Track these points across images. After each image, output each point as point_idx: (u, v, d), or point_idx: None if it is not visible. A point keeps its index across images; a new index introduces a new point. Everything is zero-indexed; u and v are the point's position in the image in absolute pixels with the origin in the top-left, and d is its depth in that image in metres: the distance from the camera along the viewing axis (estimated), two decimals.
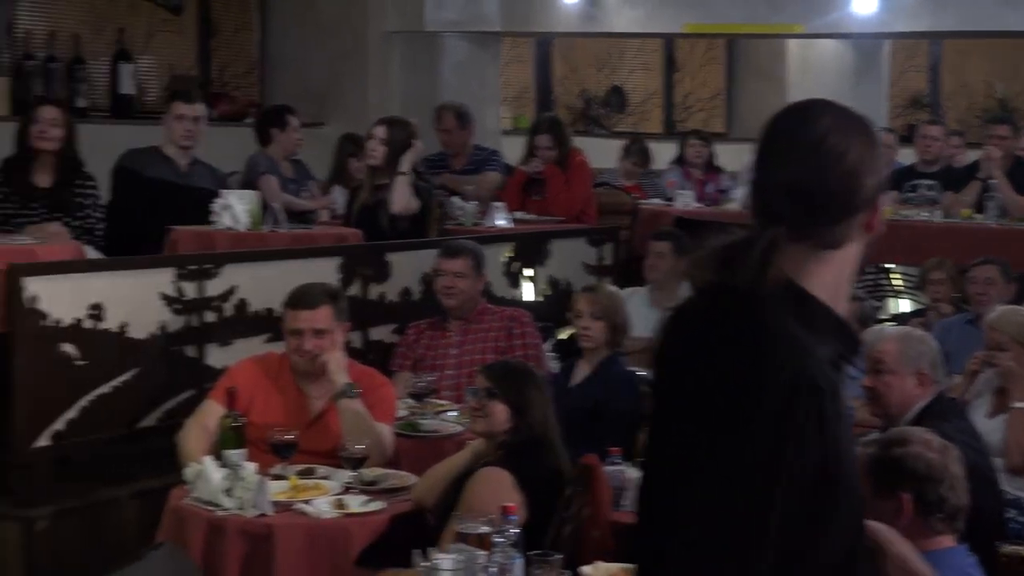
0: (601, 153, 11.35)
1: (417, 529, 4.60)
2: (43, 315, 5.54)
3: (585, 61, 14.59)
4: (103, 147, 7.89)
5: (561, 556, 4.06)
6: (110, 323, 5.78)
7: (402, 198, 7.60)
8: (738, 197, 10.40)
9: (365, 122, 8.87)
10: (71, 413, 5.65)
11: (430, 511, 4.70)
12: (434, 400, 6.09)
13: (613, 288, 6.75)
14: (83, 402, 5.69)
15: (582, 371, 6.10)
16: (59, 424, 5.60)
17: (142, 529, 5.34)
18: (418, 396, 6.04)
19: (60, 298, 5.61)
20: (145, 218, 7.51)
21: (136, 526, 5.56)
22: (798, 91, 13.11)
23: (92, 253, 6.95)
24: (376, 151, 7.67)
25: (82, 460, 5.94)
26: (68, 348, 5.63)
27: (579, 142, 10.08)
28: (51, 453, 5.62)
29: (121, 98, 9.34)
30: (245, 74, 10.62)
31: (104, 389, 5.76)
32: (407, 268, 7.08)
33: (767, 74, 13.54)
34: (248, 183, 8.05)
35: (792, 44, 13.05)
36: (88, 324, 5.70)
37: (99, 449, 5.94)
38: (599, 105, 14.53)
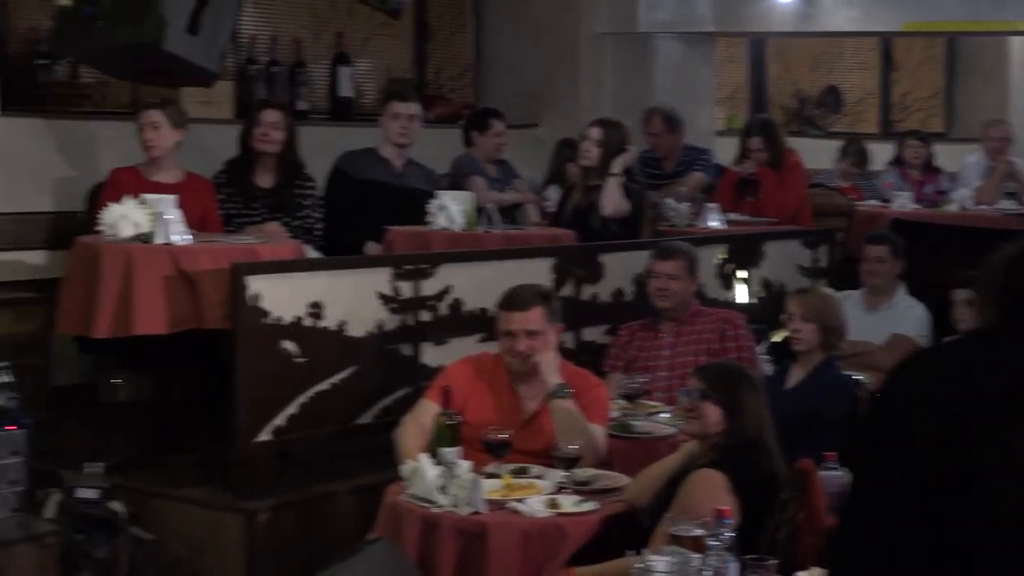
0: (816, 154, 11.20)
1: (630, 530, 4.60)
2: (264, 313, 5.67)
3: (800, 60, 14.40)
4: (322, 149, 8.05)
5: (776, 561, 4.03)
6: (329, 321, 5.89)
7: (613, 200, 7.61)
8: (958, 198, 10.18)
9: (578, 123, 8.90)
10: (291, 409, 5.77)
11: (643, 512, 4.69)
12: (646, 401, 6.08)
13: (827, 290, 6.65)
14: (302, 399, 5.80)
15: (796, 375, 6.04)
16: (279, 420, 5.73)
17: (358, 524, 5.42)
18: (630, 397, 6.04)
19: (281, 296, 5.73)
20: (361, 218, 7.66)
21: (352, 521, 5.64)
22: (1020, 90, 12.80)
23: (311, 253, 7.10)
24: (590, 152, 7.70)
25: (301, 455, 6.06)
26: (288, 345, 5.75)
27: (793, 143, 9.97)
28: (271, 448, 5.74)
29: (340, 101, 9.50)
30: (460, 76, 10.72)
31: (323, 386, 5.87)
32: (620, 269, 7.08)
33: (988, 73, 13.21)
34: (454, 184, 8.14)
35: (1015, 42, 12.70)
36: (308, 322, 5.82)
37: (317, 445, 6.06)
38: (814, 105, 14.32)
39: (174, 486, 5.89)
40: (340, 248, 7.56)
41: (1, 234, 6.96)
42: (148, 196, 6.14)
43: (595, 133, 7.72)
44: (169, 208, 6.05)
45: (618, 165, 7.66)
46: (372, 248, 7.58)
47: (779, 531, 4.42)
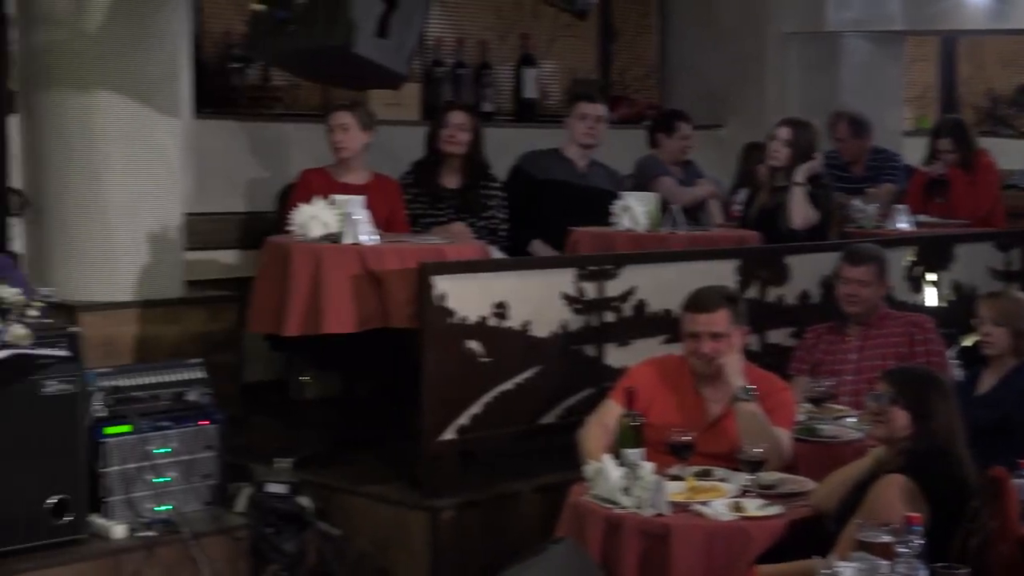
0: (1009, 154, 10.93)
1: (816, 535, 4.54)
2: (450, 312, 5.72)
3: (992, 59, 14.08)
4: (507, 150, 8.11)
5: (967, 570, 3.95)
6: (513, 321, 5.93)
7: (801, 211, 7.52)
8: None
9: (763, 124, 8.81)
10: (475, 408, 5.81)
11: (829, 517, 4.63)
12: (832, 405, 6.01)
13: (1020, 294, 6.50)
14: (487, 398, 5.84)
15: (988, 380, 5.92)
16: (464, 419, 5.77)
17: (542, 523, 5.45)
18: (816, 401, 5.98)
19: (467, 296, 5.77)
20: (543, 218, 7.70)
21: (536, 520, 5.67)
22: None
23: (496, 253, 7.15)
24: (779, 152, 7.62)
25: (484, 454, 6.11)
26: (473, 345, 5.80)
27: (985, 143, 9.73)
28: (456, 447, 5.79)
29: (524, 102, 9.54)
30: (644, 77, 10.68)
31: (507, 386, 5.91)
32: (806, 271, 7.00)
33: None
34: (639, 185, 8.11)
35: None
36: (492, 322, 5.86)
37: (501, 444, 6.10)
38: (1007, 104, 14.00)
39: (360, 483, 5.97)
40: (520, 247, 7.61)
41: (196, 234, 7.12)
42: (337, 197, 6.23)
43: (784, 133, 7.63)
44: (357, 209, 6.13)
45: (802, 174, 7.57)
46: (537, 246, 7.63)
47: (970, 539, 4.33)
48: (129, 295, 6.52)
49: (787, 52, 10.36)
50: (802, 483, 4.97)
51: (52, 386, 5.28)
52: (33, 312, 5.13)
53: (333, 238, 6.07)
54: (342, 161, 7.11)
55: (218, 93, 7.98)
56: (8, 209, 6.59)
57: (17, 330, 5.04)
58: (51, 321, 5.34)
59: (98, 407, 5.57)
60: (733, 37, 10.47)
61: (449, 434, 5.72)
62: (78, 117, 6.44)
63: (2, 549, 5.16)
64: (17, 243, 6.62)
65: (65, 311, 6.09)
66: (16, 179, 6.62)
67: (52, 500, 5.29)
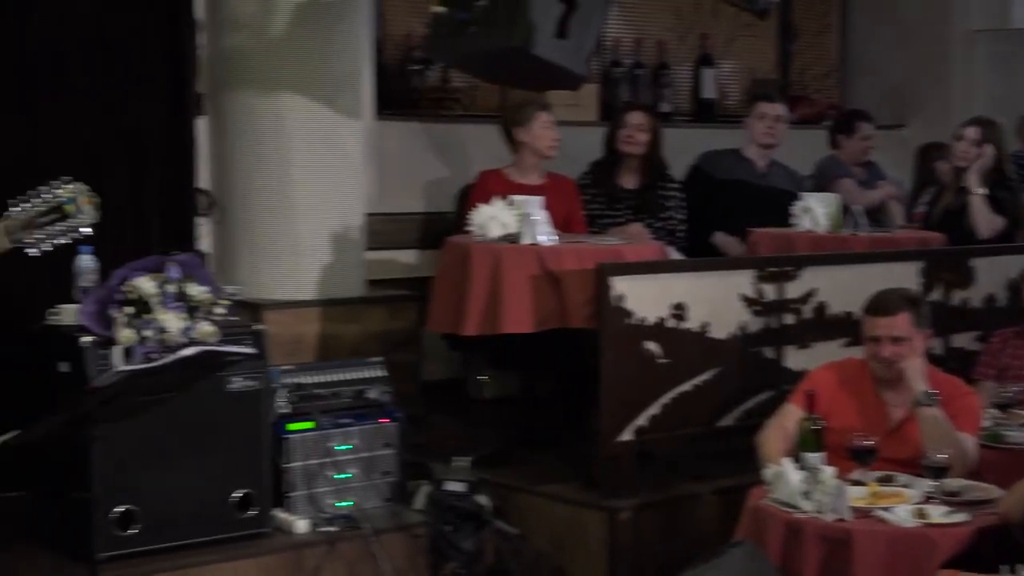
0: None
1: (1005, 544, 4.45)
2: (628, 313, 5.71)
3: None
4: (685, 150, 8.07)
5: None
6: (692, 323, 5.90)
7: (984, 220, 7.36)
8: None
9: (946, 124, 8.66)
10: (653, 409, 5.80)
11: (1017, 527, 4.53)
12: (1020, 411, 5.87)
13: None
14: (664, 399, 5.83)
15: None
16: (641, 420, 5.76)
17: (720, 526, 5.42)
18: (1003, 406, 5.84)
19: (645, 297, 5.76)
20: (723, 218, 7.66)
21: (714, 523, 5.64)
22: None
23: (674, 254, 7.12)
24: (967, 152, 7.47)
25: (662, 455, 6.09)
26: (651, 346, 5.79)
27: None
28: (633, 447, 5.78)
29: (703, 102, 9.50)
30: (824, 76, 10.57)
31: (685, 387, 5.89)
32: (992, 273, 6.86)
33: None
34: (819, 187, 8.01)
35: None
36: (671, 323, 5.84)
37: (679, 445, 6.08)
38: None
39: (537, 482, 5.99)
40: (700, 247, 7.57)
41: (377, 234, 7.21)
42: (516, 197, 6.27)
43: (972, 133, 7.48)
44: (536, 209, 6.16)
45: (975, 180, 7.40)
46: (720, 237, 7.58)
47: None
48: (312, 294, 6.62)
49: (973, 50, 10.17)
50: (988, 490, 4.86)
51: (238, 382, 5.40)
52: (219, 310, 5.24)
53: (512, 238, 6.10)
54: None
55: (398, 95, 8.08)
56: (196, 209, 6.74)
57: (204, 327, 5.16)
58: (237, 319, 5.46)
59: (281, 404, 5.68)
60: (916, 35, 10.31)
61: (627, 435, 5.72)
62: (263, 119, 6.57)
63: (190, 541, 5.29)
64: (204, 242, 6.76)
65: (250, 309, 6.21)
66: (204, 180, 6.76)
67: (237, 494, 5.41)
